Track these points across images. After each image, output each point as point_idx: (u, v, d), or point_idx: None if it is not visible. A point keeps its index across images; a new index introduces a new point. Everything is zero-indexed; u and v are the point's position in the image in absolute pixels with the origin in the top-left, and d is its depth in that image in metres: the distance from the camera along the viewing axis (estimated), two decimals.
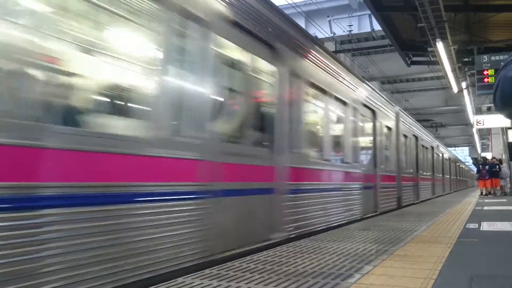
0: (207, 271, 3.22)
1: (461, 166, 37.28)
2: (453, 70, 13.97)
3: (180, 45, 3.69)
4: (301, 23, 16.66)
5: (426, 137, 17.15)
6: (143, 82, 3.51)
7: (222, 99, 4.44)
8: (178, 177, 3.43)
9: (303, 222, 5.56)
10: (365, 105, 8.67)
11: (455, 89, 16.23)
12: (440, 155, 21.16)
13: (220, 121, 4.26)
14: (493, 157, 19.71)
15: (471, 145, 53.33)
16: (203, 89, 3.83)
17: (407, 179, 12.43)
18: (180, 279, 2.96)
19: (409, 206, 11.81)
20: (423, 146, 15.60)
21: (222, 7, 4.07)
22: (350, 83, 7.80)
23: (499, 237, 5.21)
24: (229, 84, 4.70)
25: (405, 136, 12.66)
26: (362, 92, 8.54)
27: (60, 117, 2.75)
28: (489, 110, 20.51)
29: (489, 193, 18.01)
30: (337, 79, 7.13)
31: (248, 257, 3.78)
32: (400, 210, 10.35)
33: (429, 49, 12.61)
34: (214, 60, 4.01)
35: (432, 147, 18.09)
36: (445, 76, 14.99)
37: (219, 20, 4.02)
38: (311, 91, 6.29)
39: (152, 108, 3.40)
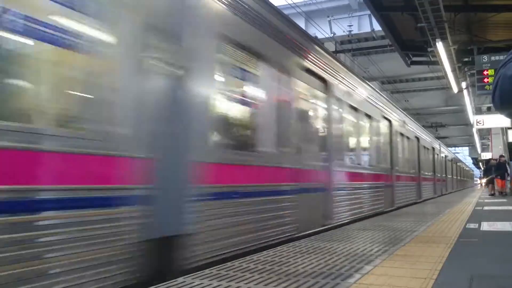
0: (207, 271, 3.22)
1: (465, 168, 48.70)
2: (453, 70, 13.97)
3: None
4: (301, 23, 16.66)
5: (452, 154, 29.72)
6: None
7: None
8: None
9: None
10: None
11: (455, 89, 16.23)
12: (455, 163, 32.73)
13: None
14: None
15: (471, 145, 53.32)
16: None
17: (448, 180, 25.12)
18: (180, 279, 2.96)
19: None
20: (449, 160, 26.60)
21: None
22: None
23: (499, 237, 5.21)
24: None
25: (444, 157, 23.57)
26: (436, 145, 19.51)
27: None
28: (489, 110, 20.50)
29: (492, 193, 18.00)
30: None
31: (248, 257, 3.77)
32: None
33: (429, 49, 12.63)
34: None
35: (452, 159, 29.49)
36: (445, 76, 14.98)
37: None
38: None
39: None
